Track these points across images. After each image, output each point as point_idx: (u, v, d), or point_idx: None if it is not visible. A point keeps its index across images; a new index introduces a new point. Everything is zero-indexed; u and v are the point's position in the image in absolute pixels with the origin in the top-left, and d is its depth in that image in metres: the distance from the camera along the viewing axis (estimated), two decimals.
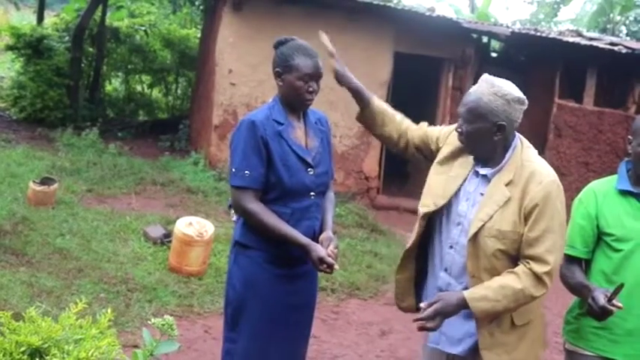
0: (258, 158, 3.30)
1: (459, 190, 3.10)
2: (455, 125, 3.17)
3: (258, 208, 3.32)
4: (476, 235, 2.95)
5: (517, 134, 3.07)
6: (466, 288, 3.00)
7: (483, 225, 2.94)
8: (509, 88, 2.97)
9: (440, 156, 3.22)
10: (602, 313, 2.95)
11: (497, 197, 2.95)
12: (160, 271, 6.83)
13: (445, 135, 3.28)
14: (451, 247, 3.08)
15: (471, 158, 3.10)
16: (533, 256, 2.90)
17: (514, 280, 2.89)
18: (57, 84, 13.82)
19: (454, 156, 3.17)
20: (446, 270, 3.11)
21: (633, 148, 3.20)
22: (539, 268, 2.88)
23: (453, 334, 3.10)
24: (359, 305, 7.02)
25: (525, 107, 3.02)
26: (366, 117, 3.52)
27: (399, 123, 3.47)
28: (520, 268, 2.91)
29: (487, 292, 2.89)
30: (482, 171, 3.04)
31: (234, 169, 3.35)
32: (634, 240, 3.16)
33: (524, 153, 3.02)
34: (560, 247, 2.99)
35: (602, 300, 2.93)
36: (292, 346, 3.54)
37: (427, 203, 3.15)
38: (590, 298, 2.98)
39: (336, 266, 3.31)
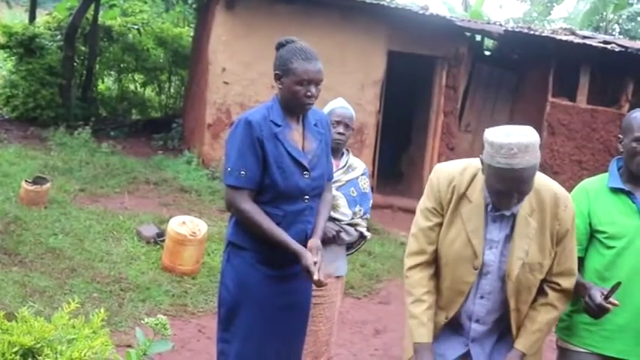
0: (254, 158, 3.28)
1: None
2: (431, 195, 3.07)
3: (253, 208, 3.30)
4: (517, 273, 2.96)
5: None
6: (499, 331, 3.11)
7: (523, 263, 2.95)
8: (530, 135, 2.77)
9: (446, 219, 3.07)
10: (598, 311, 2.96)
11: (528, 231, 2.94)
12: (154, 270, 6.82)
13: (439, 207, 3.09)
14: (482, 297, 3.05)
15: (478, 208, 2.99)
16: (563, 272, 3.03)
17: (552, 310, 3.04)
18: (49, 83, 13.78)
19: (453, 216, 3.04)
20: (478, 321, 3.09)
21: (625, 145, 3.21)
22: (568, 283, 3.04)
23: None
24: (353, 304, 7.02)
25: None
26: None
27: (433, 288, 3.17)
28: (552, 296, 3.04)
29: (536, 335, 3.04)
30: (509, 211, 2.93)
31: (229, 169, 3.33)
32: (626, 237, 3.17)
33: None
34: None
35: (598, 298, 2.93)
36: (287, 346, 3.52)
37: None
38: (587, 297, 2.99)
39: (316, 276, 3.23)
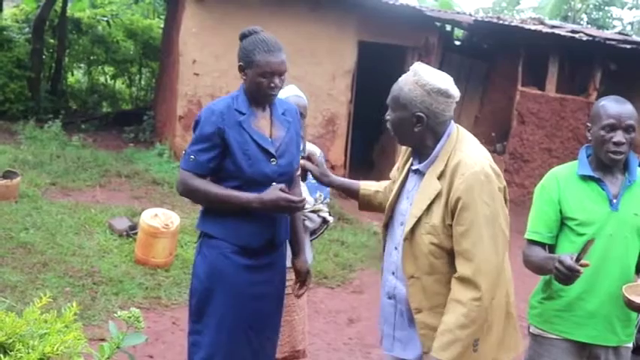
0: (209, 146, 3.32)
1: (401, 189, 3.07)
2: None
3: (200, 182, 3.35)
4: (412, 232, 2.89)
5: (454, 125, 2.96)
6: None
7: (418, 221, 2.87)
8: (431, 79, 2.83)
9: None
10: (570, 274, 2.92)
11: (429, 191, 2.87)
12: (126, 263, 6.80)
13: (401, 159, 3.20)
14: (395, 248, 3.02)
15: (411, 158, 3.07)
16: (459, 252, 2.80)
17: (458, 306, 2.77)
18: (18, 76, 13.66)
19: (403, 164, 3.14)
20: (393, 273, 3.05)
21: (593, 133, 3.26)
22: (464, 269, 2.78)
23: (403, 338, 3.05)
24: (327, 294, 7.04)
25: (453, 100, 2.88)
26: (364, 204, 3.47)
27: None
28: (454, 289, 2.80)
29: (447, 337, 2.77)
30: (416, 166, 2.99)
31: (184, 152, 3.41)
32: (596, 224, 3.20)
33: (457, 143, 2.90)
34: (489, 240, 2.79)
35: (569, 260, 2.90)
36: (260, 336, 3.53)
37: (385, 213, 3.15)
38: (557, 262, 2.95)
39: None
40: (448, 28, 13.24)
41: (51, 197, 8.73)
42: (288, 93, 4.09)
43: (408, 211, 2.97)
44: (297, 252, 3.72)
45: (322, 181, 3.46)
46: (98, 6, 17.48)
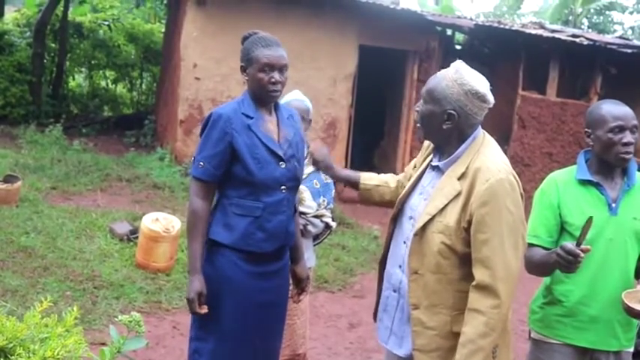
0: (217, 151, 3.30)
1: (415, 184, 3.07)
2: (426, 144, 3.17)
3: (201, 209, 3.33)
4: (423, 229, 2.87)
5: (481, 130, 2.95)
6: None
7: (431, 219, 2.85)
8: (471, 80, 2.84)
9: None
10: (571, 259, 2.87)
11: (447, 190, 2.85)
12: (127, 267, 6.80)
13: (420, 156, 3.23)
14: (404, 242, 3.00)
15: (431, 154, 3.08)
16: (477, 260, 2.78)
17: (477, 316, 2.74)
18: (19, 80, 13.69)
19: (422, 160, 3.15)
20: (400, 267, 3.03)
21: (598, 138, 3.23)
22: (482, 275, 2.75)
23: (400, 333, 3.05)
24: (327, 298, 7.04)
25: (487, 106, 2.89)
26: (364, 197, 3.50)
27: (394, 188, 3.41)
28: (473, 297, 2.77)
29: (468, 348, 2.73)
30: (435, 162, 2.98)
31: (193, 159, 3.39)
32: (595, 228, 3.15)
33: (482, 147, 2.89)
34: (511, 248, 2.77)
35: (569, 244, 2.87)
36: (265, 343, 3.51)
37: (395, 206, 3.14)
38: (559, 248, 2.92)
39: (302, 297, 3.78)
40: (449, 32, 13.23)
41: (52, 201, 8.74)
42: (291, 97, 4.11)
43: (420, 206, 2.96)
44: (296, 258, 3.70)
45: (327, 172, 3.50)
46: (99, 10, 17.49)
